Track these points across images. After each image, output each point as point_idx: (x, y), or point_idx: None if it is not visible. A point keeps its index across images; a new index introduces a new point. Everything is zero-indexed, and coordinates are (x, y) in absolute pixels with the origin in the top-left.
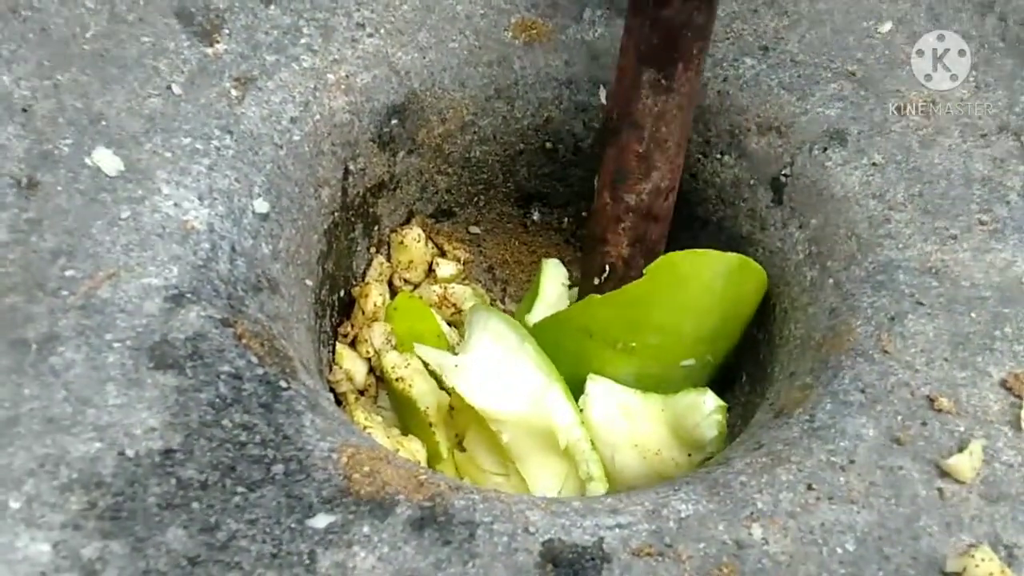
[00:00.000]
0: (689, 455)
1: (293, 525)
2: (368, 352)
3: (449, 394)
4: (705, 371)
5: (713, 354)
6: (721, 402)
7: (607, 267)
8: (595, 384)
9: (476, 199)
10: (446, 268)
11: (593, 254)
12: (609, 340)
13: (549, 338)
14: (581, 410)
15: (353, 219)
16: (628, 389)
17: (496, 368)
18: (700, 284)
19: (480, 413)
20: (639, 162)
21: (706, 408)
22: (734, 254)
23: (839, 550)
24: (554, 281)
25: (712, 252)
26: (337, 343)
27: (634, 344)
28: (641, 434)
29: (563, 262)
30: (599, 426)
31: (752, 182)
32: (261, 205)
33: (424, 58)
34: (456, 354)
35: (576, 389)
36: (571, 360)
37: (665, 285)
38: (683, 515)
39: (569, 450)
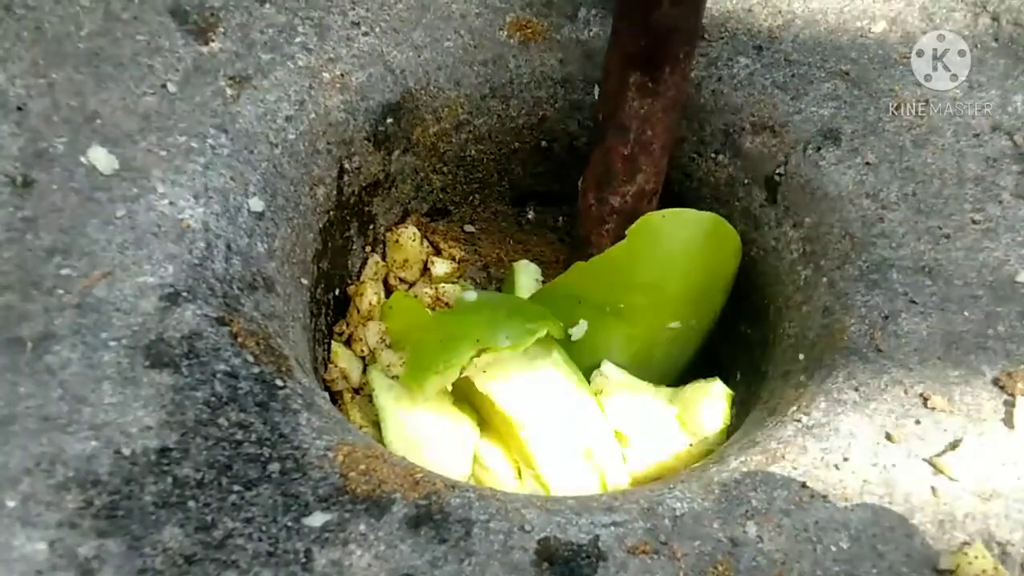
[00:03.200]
0: (690, 445)
1: (289, 523)
2: (363, 351)
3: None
4: (691, 337)
5: (697, 318)
6: (728, 390)
7: None
8: (608, 367)
9: (471, 198)
10: (441, 267)
11: (578, 255)
12: (598, 304)
13: None
14: (590, 383)
15: (348, 218)
16: (641, 381)
17: (522, 373)
18: (678, 242)
19: (508, 419)
20: (624, 164)
21: (714, 393)
22: (709, 213)
23: (833, 548)
24: (528, 280)
25: (688, 210)
26: (332, 342)
27: (622, 305)
28: (646, 418)
29: (557, 261)
30: (606, 406)
31: (746, 181)
32: (256, 204)
33: (419, 57)
34: None
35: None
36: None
37: (645, 245)
38: (678, 513)
39: (597, 458)
